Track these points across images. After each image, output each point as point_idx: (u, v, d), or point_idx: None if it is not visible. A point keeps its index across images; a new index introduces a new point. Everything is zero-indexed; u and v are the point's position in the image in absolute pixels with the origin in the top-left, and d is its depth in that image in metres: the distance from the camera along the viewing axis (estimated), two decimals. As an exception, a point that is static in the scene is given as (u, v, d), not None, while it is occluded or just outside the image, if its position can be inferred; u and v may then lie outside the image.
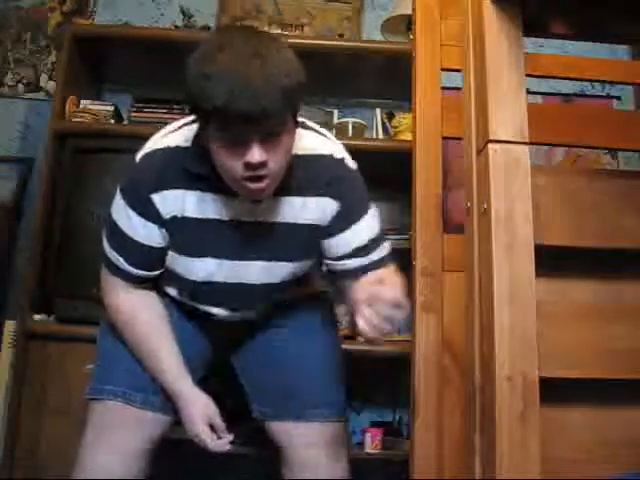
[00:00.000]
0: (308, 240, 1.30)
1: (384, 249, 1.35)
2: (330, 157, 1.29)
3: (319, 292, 1.53)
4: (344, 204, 1.28)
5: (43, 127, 2.45)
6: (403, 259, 1.82)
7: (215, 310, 1.39)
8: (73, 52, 2.43)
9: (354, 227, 1.29)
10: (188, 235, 1.25)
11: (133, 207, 1.23)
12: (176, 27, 2.66)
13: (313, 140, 1.29)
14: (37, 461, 2.02)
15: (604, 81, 2.43)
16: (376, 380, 2.53)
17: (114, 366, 1.40)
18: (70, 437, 2.05)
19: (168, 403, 1.34)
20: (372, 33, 2.84)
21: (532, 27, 1.10)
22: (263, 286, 1.33)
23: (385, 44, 2.58)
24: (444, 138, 1.73)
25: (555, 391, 0.99)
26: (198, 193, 1.22)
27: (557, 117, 1.66)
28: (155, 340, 1.34)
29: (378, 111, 2.62)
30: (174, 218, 1.23)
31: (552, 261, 1.04)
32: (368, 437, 2.26)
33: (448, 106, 1.73)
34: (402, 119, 2.47)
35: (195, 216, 1.23)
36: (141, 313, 1.35)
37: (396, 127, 2.50)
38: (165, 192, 1.22)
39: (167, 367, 1.32)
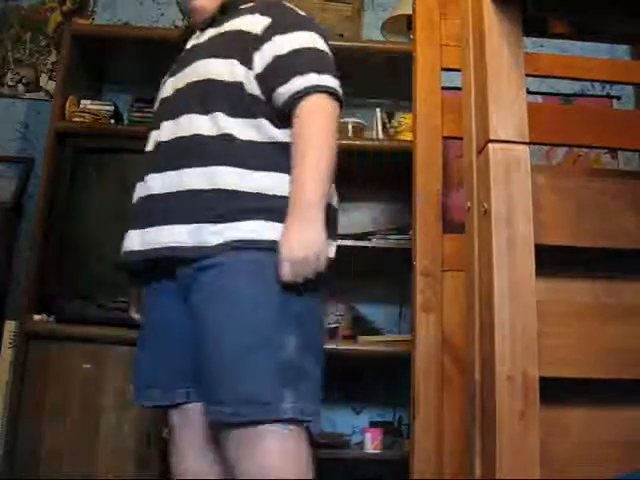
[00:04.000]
0: (237, 44, 1.32)
1: (312, 79, 1.27)
2: None
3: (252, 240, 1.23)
4: (274, 20, 1.33)
5: (43, 127, 2.45)
6: (403, 259, 1.82)
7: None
8: (73, 52, 2.43)
9: (279, 37, 1.30)
10: None
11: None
12: (176, 27, 2.66)
13: None
14: (37, 461, 2.02)
15: (604, 81, 2.43)
16: (376, 380, 2.53)
17: None
18: (70, 437, 2.07)
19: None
20: (372, 33, 2.84)
21: (532, 27, 1.10)
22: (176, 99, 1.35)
23: (385, 44, 2.58)
24: (444, 138, 1.73)
25: (555, 391, 0.99)
26: None
27: (557, 117, 1.66)
28: None
29: (378, 111, 2.61)
30: None
31: (552, 261, 1.04)
32: (368, 437, 2.26)
33: (448, 106, 1.73)
34: (402, 119, 2.47)
35: None
36: None
37: (396, 127, 2.50)
38: None
39: None
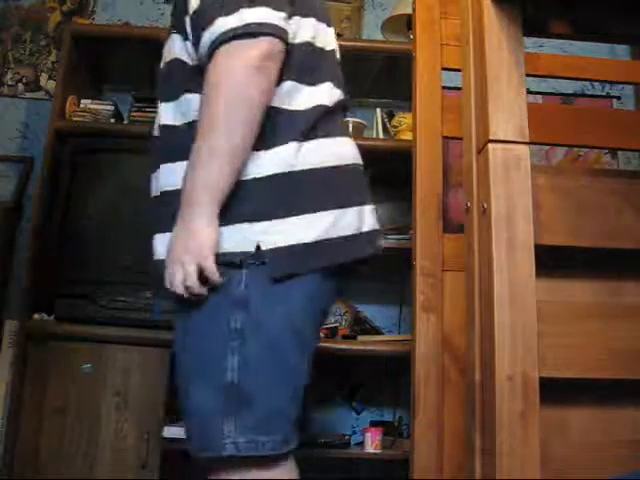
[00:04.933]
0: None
1: (217, 27, 1.03)
2: None
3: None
4: None
5: (43, 127, 2.45)
6: (403, 259, 1.82)
7: None
8: (73, 52, 2.43)
9: None
10: None
11: None
12: (176, 27, 2.65)
13: None
14: (37, 461, 2.02)
15: (604, 81, 2.43)
16: (376, 380, 2.53)
17: None
18: (70, 437, 2.07)
19: None
20: (372, 33, 2.84)
21: (532, 27, 1.10)
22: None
23: (385, 44, 2.58)
24: (444, 138, 1.73)
25: (555, 391, 0.99)
26: None
27: (557, 117, 1.66)
28: None
29: (378, 111, 2.62)
30: None
31: (552, 261, 1.04)
32: (368, 437, 2.26)
33: (448, 106, 1.73)
34: (402, 119, 2.47)
35: None
36: None
37: (396, 127, 2.50)
38: None
39: None
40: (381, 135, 2.58)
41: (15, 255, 2.49)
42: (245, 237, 1.04)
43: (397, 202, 2.56)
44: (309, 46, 1.15)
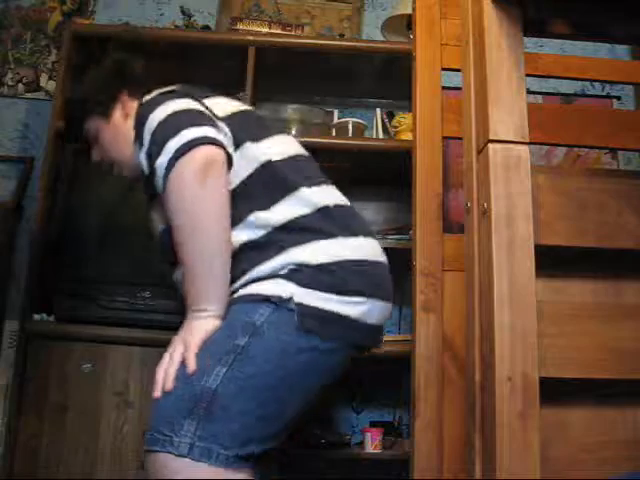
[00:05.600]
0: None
1: (159, 162, 1.16)
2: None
3: None
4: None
5: (43, 127, 2.45)
6: (403, 259, 1.82)
7: None
8: (73, 52, 2.43)
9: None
10: None
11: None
12: (176, 27, 2.65)
13: None
14: (37, 461, 2.02)
15: (604, 81, 2.43)
16: (376, 380, 2.53)
17: None
18: (70, 437, 2.07)
19: None
20: (372, 33, 2.84)
21: (532, 27, 1.10)
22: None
23: (385, 44, 2.58)
24: (444, 138, 1.73)
25: (555, 391, 0.99)
26: None
27: (557, 117, 1.66)
28: None
29: (378, 111, 2.62)
30: None
31: (552, 261, 1.04)
32: (368, 437, 2.26)
33: (448, 106, 1.73)
34: (402, 119, 2.47)
35: None
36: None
37: (396, 127, 2.50)
38: None
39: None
40: (381, 135, 2.58)
41: (15, 255, 2.49)
42: (285, 290, 1.16)
43: (397, 202, 2.57)
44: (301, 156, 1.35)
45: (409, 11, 2.12)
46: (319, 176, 1.32)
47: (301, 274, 1.16)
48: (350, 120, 2.50)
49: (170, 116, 1.19)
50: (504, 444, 0.92)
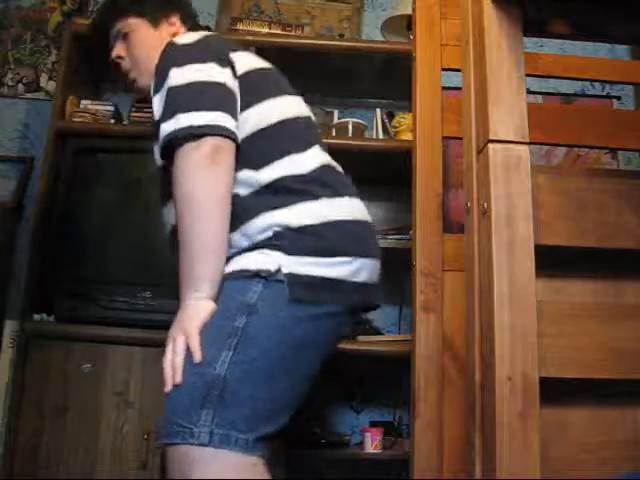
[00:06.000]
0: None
1: (162, 133, 1.21)
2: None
3: None
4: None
5: (43, 127, 2.45)
6: (403, 259, 1.82)
7: None
8: (73, 52, 2.43)
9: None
10: None
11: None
12: (176, 27, 2.65)
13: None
14: (37, 461, 2.02)
15: (604, 81, 2.43)
16: (376, 380, 2.53)
17: None
18: (70, 437, 2.07)
19: None
20: (372, 33, 2.84)
21: (532, 27, 1.10)
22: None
23: (385, 44, 2.58)
24: (444, 138, 1.73)
25: (555, 391, 0.99)
26: None
27: (557, 117, 1.66)
28: None
29: (378, 111, 2.62)
30: None
31: (552, 261, 1.04)
32: (368, 437, 2.26)
33: (448, 106, 1.73)
34: (402, 119, 2.47)
35: None
36: None
37: (396, 127, 2.50)
38: None
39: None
40: (381, 135, 2.58)
41: (15, 255, 2.49)
42: (272, 261, 1.16)
43: (397, 202, 2.57)
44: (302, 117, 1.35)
45: (409, 11, 2.12)
46: (311, 140, 1.33)
47: (286, 240, 1.18)
48: (350, 120, 2.50)
49: (187, 86, 1.22)
50: (504, 444, 0.92)
